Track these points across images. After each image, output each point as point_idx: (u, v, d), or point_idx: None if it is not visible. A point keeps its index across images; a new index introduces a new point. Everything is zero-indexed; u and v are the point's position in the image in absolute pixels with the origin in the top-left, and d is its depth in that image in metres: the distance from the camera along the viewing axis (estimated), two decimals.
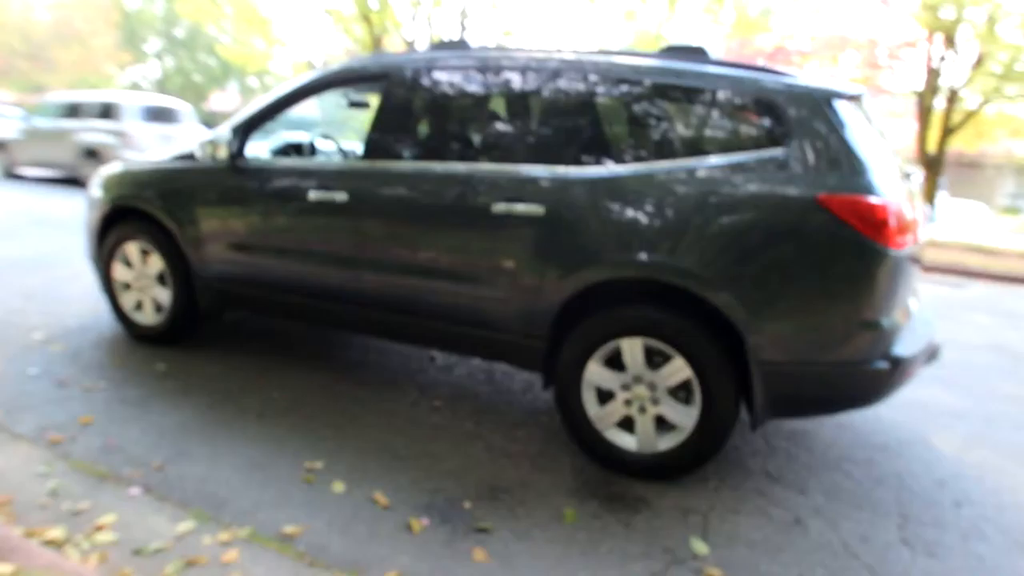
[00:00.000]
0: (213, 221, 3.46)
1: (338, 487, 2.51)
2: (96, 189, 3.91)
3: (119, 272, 3.83)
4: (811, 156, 2.38)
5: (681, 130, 2.58)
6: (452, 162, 2.88)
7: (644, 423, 2.66)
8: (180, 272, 3.63)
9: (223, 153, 3.33)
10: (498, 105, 2.91)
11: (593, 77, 2.68)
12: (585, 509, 2.48)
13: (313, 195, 3.12)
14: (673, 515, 2.48)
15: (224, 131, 3.39)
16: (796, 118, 2.42)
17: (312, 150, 4.07)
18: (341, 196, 3.05)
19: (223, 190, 3.41)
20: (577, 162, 2.66)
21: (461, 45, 3.09)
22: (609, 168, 2.59)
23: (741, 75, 2.53)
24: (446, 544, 2.23)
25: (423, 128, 3.09)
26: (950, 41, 10.67)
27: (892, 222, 2.29)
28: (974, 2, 9.63)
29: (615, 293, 2.65)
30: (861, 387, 2.44)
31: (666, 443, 2.64)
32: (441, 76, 2.99)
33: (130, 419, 2.94)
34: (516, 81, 2.82)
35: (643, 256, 2.51)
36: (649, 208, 2.51)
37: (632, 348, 2.61)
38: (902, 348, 2.46)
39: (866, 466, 2.93)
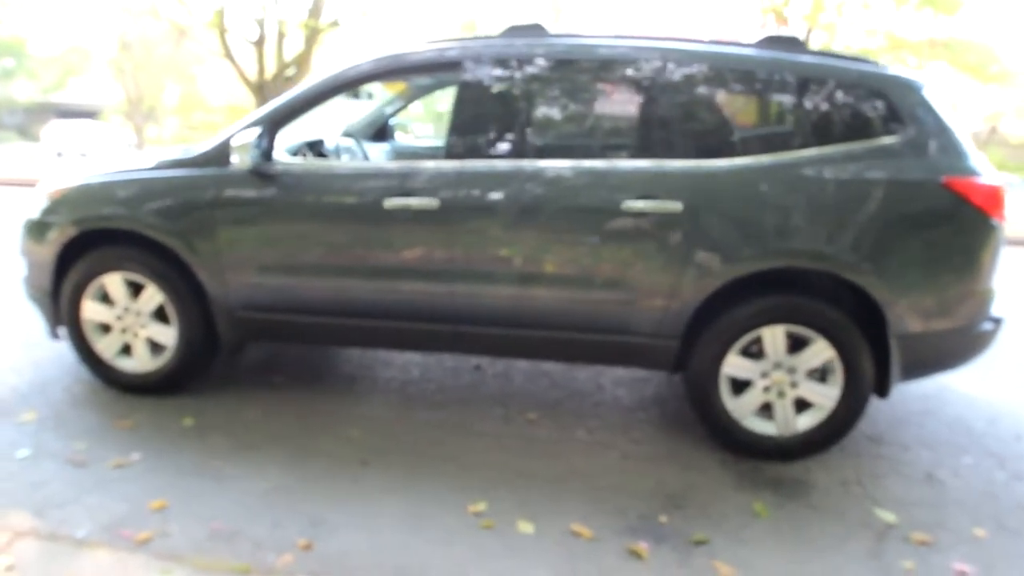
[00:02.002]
0: (242, 239, 2.87)
1: (525, 527, 2.26)
2: (43, 210, 3.05)
3: (93, 312, 3.05)
4: (923, 141, 2.57)
5: (807, 120, 2.63)
6: (569, 159, 2.67)
7: (783, 407, 2.72)
8: (191, 303, 2.98)
9: (250, 155, 2.75)
10: (617, 96, 2.74)
11: (718, 68, 2.63)
12: (766, 500, 2.50)
13: (390, 203, 2.72)
14: (837, 490, 2.59)
15: (248, 129, 2.81)
16: (906, 106, 2.59)
17: (338, 151, 3.52)
18: (430, 202, 2.69)
19: (255, 201, 2.84)
20: (708, 155, 2.61)
21: (537, 30, 2.86)
22: (748, 160, 2.58)
23: (857, 66, 2.65)
24: (683, 564, 2.12)
25: (527, 123, 2.80)
26: (782, 19, 12.23)
27: (1002, 198, 2.57)
28: None
29: (749, 284, 2.66)
30: (972, 347, 2.72)
31: (805, 423, 2.73)
32: (541, 65, 2.74)
33: (210, 492, 2.38)
34: (633, 71, 2.67)
35: (792, 245, 2.55)
36: (790, 197, 2.54)
37: (774, 336, 2.66)
38: (997, 310, 2.79)
39: (930, 416, 3.28)
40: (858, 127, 2.59)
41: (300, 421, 2.95)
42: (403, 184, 2.74)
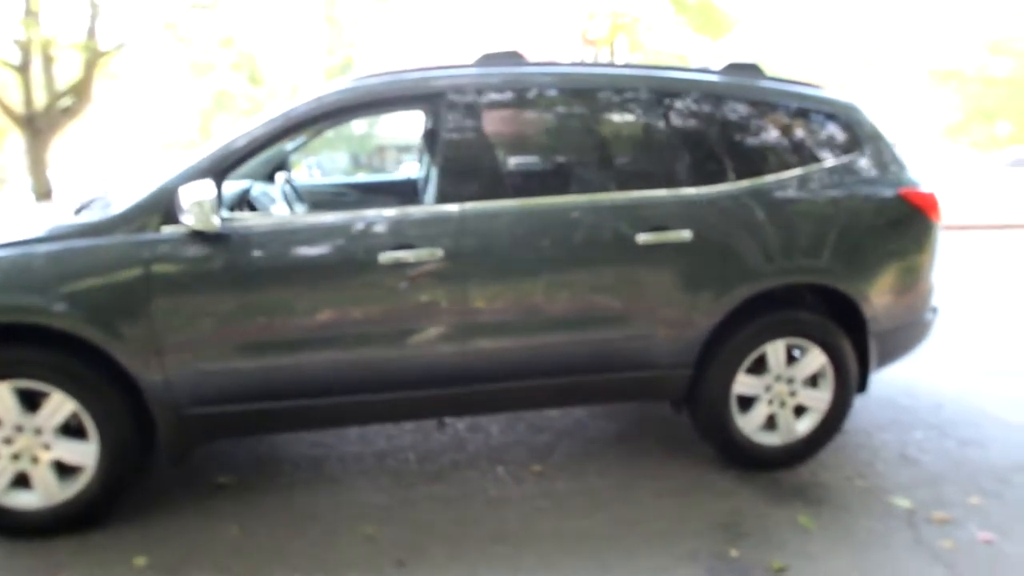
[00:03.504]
0: (190, 318, 2.31)
1: None
2: None
3: None
4: (875, 157, 2.85)
5: (784, 143, 2.77)
6: (575, 195, 2.54)
7: (785, 416, 2.84)
8: (117, 406, 2.31)
9: (196, 213, 2.21)
10: (607, 127, 2.64)
11: (707, 94, 2.68)
12: (805, 511, 2.56)
13: (386, 256, 2.36)
14: (848, 486, 2.75)
15: (186, 181, 2.26)
16: (857, 125, 2.86)
17: (294, 198, 2.94)
18: (433, 252, 2.38)
19: (205, 268, 2.30)
20: (707, 181, 2.63)
21: (514, 58, 2.68)
22: (745, 183, 2.65)
23: (815, 91, 2.86)
24: None
25: (527, 157, 2.60)
26: (589, 41, 13.27)
27: (938, 203, 2.93)
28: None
29: (750, 305, 2.73)
30: (921, 335, 3.06)
31: (803, 427, 2.87)
32: (535, 94, 2.56)
33: None
34: (632, 99, 2.62)
35: (795, 263, 2.67)
36: (787, 217, 2.67)
37: (776, 350, 2.76)
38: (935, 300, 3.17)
39: (861, 399, 3.58)
40: (825, 147, 2.80)
41: (292, 528, 2.44)
42: (398, 233, 2.40)
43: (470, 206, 2.45)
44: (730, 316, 2.68)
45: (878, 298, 2.81)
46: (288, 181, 3.30)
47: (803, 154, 2.78)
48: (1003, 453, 3.04)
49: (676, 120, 2.65)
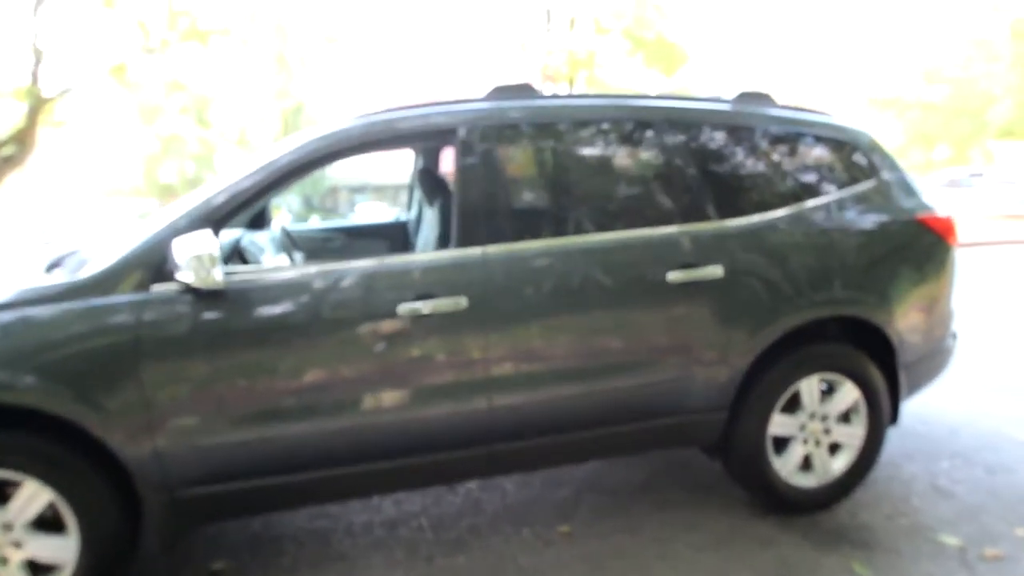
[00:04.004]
0: (187, 387, 2.04)
1: None
2: None
3: None
4: (889, 184, 2.81)
5: (805, 172, 2.70)
6: (602, 233, 2.39)
7: (821, 456, 2.71)
8: (101, 493, 2.02)
9: (194, 269, 1.97)
10: (630, 160, 2.52)
11: (727, 126, 2.59)
12: (854, 556, 2.42)
13: (406, 308, 2.16)
14: (890, 526, 2.63)
15: (181, 232, 2.03)
16: (871, 153, 2.82)
17: (290, 246, 2.69)
18: (457, 301, 2.19)
19: (205, 329, 2.04)
20: (732, 214, 2.53)
21: (527, 91, 2.55)
22: (772, 215, 2.56)
23: (832, 120, 2.82)
24: None
25: (549, 195, 2.44)
26: (548, 75, 13.48)
27: (955, 226, 2.89)
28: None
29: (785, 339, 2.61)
30: (944, 362, 3.00)
31: (838, 466, 2.74)
32: (555, 129, 2.43)
33: None
34: (644, 132, 2.51)
35: (827, 295, 2.57)
36: (816, 249, 2.58)
37: (810, 387, 2.64)
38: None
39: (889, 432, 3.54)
40: (844, 175, 2.74)
41: None
42: (417, 282, 2.20)
43: (493, 249, 2.27)
44: (764, 353, 2.56)
45: (904, 327, 2.73)
46: (283, 228, 3.07)
47: (824, 183, 2.71)
48: None
49: (701, 152, 2.55)
